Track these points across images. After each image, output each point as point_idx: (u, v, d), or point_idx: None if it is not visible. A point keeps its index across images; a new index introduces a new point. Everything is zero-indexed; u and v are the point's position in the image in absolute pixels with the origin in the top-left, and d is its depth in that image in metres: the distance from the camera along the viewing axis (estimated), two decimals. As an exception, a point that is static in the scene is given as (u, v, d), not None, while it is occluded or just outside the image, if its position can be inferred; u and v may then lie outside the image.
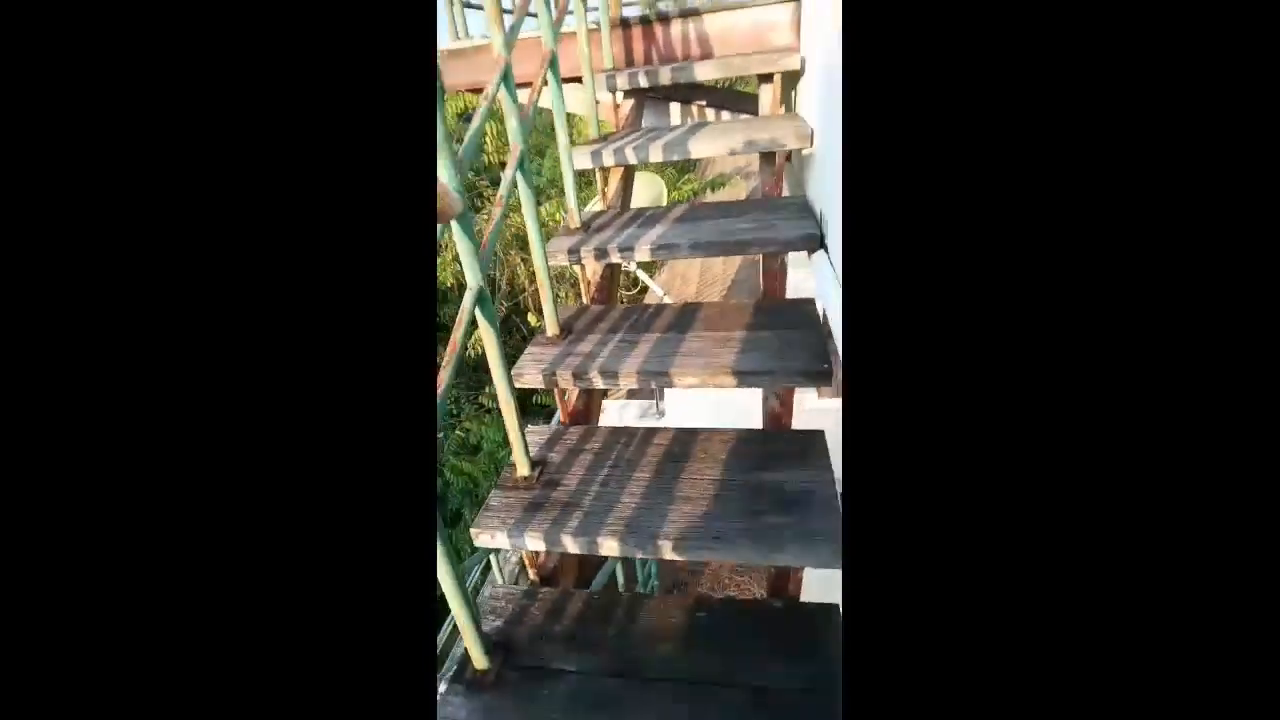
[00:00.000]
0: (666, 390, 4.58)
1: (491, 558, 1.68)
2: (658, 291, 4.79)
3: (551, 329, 1.19)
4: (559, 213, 4.95)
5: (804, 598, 1.13)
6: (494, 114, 1.20)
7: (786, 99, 1.87)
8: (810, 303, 1.24)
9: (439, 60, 0.63)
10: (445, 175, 0.67)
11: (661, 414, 4.25)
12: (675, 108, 2.28)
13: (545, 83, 1.22)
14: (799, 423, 1.19)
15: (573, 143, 1.36)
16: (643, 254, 1.25)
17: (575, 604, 0.96)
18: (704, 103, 2.27)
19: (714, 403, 3.87)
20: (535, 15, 1.23)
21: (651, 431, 1.11)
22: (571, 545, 0.89)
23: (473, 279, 0.80)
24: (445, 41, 2.12)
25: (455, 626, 1.62)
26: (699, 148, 1.50)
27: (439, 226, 0.59)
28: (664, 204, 2.53)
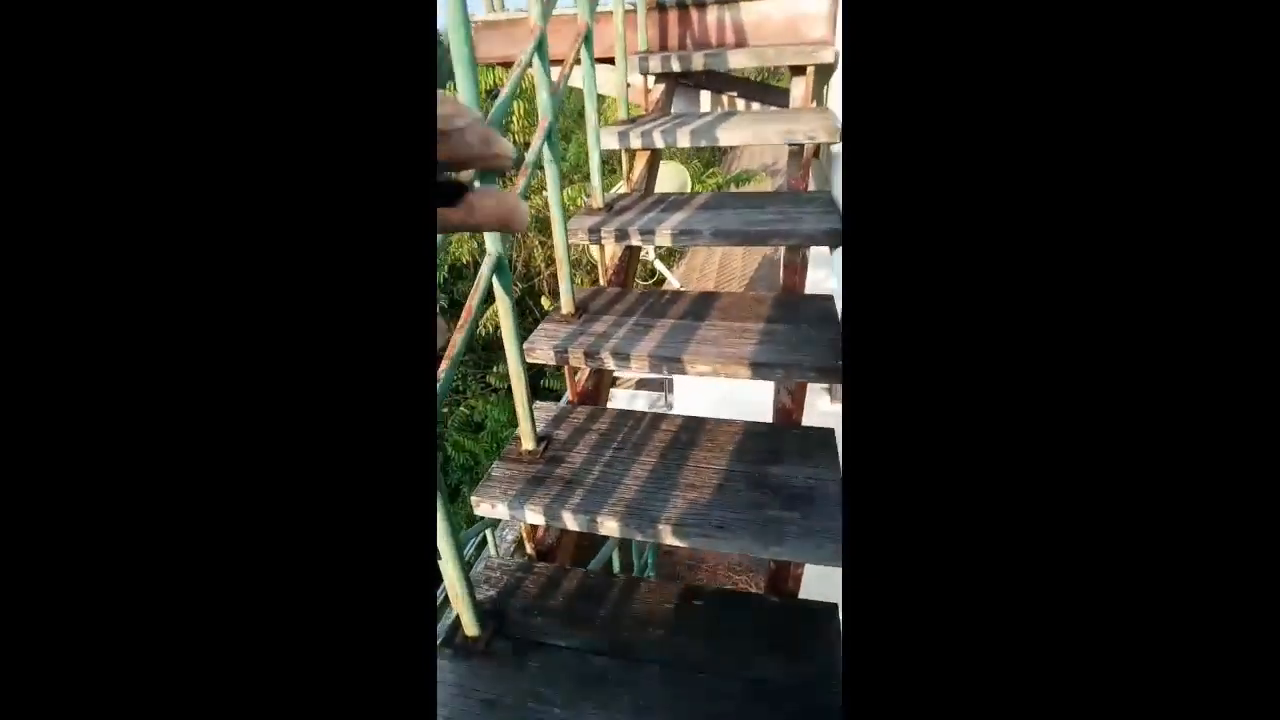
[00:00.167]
0: (676, 383, 4.58)
1: (488, 534, 1.68)
2: (674, 283, 4.78)
3: (567, 307, 1.18)
4: (580, 197, 4.94)
5: (803, 597, 1.12)
6: (522, 93, 1.18)
7: (818, 93, 1.84)
8: (829, 299, 1.23)
9: (474, 31, 0.62)
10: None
11: (669, 407, 4.25)
12: (705, 96, 2.25)
13: (578, 60, 1.21)
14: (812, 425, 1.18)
15: (601, 123, 1.35)
16: (664, 238, 1.24)
17: (571, 581, 0.96)
18: (734, 93, 2.24)
19: (722, 399, 3.86)
20: (573, -11, 1.22)
21: (659, 417, 1.10)
22: (571, 522, 0.88)
23: (493, 246, 0.80)
24: (481, 13, 2.10)
25: (445, 597, 1.63)
26: (728, 135, 1.48)
27: None
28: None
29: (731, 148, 7.45)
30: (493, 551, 1.69)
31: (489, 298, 0.83)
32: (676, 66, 1.76)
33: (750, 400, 3.17)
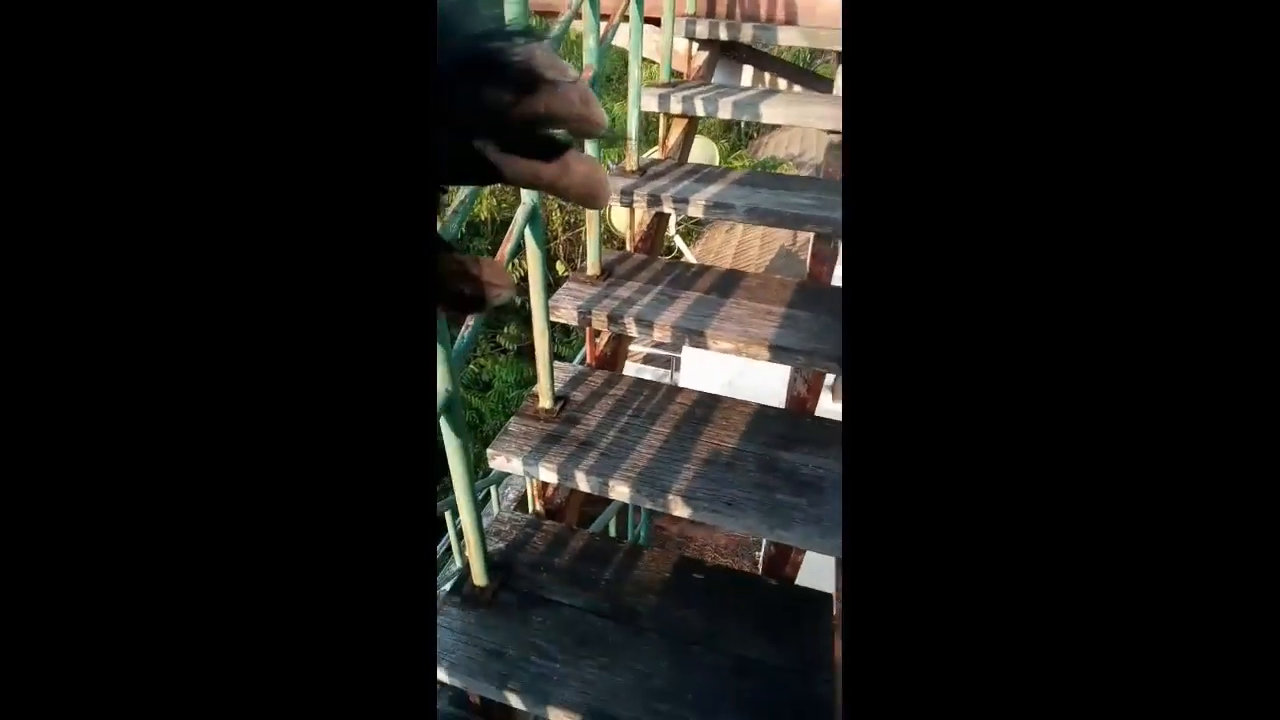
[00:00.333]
0: (683, 362, 4.57)
1: (492, 489, 1.70)
2: (691, 261, 4.74)
3: (593, 268, 1.17)
4: (608, 161, 4.89)
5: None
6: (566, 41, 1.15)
7: (866, 79, 1.80)
8: (858, 289, 1.21)
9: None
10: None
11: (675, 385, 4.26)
12: (747, 72, 2.20)
13: (625, 17, 1.17)
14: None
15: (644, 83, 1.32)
16: (697, 209, 1.22)
17: (577, 541, 0.97)
18: (776, 73, 2.18)
19: (729, 383, 3.85)
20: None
21: (675, 389, 1.10)
22: (584, 483, 0.89)
23: (528, 196, 0.78)
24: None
25: (446, 549, 1.65)
26: (771, 113, 1.44)
27: None
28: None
29: (758, 133, 7.32)
30: (495, 506, 1.70)
31: (519, 249, 0.81)
32: (724, 34, 1.71)
33: (758, 387, 3.16)
